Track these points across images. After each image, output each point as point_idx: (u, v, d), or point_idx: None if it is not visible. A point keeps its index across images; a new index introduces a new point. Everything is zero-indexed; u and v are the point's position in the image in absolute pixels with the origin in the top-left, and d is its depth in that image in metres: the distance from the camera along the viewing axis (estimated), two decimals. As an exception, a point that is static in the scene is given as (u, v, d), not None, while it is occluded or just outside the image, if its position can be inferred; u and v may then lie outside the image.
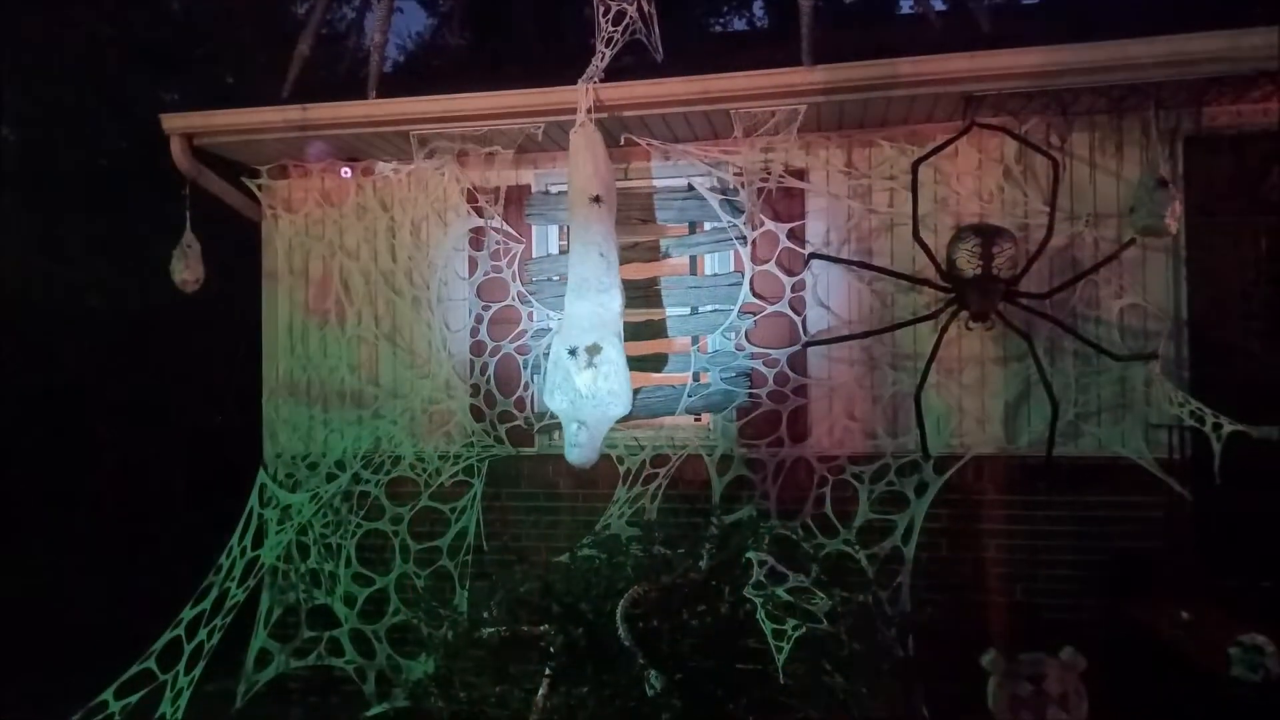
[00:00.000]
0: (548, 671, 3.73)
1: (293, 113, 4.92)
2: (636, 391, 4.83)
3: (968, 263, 4.47)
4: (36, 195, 7.56)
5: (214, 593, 5.04)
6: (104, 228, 7.25)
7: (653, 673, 3.43)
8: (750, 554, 3.75)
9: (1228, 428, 4.20)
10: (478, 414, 5.35)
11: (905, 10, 20.29)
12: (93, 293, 7.08)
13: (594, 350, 4.49)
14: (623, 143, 5.04)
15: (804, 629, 3.32)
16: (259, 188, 5.54)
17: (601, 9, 4.98)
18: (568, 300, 4.62)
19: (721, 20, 21.07)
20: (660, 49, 5.12)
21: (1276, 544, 4.17)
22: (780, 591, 3.44)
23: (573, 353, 4.51)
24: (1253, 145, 4.70)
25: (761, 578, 3.58)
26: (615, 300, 4.58)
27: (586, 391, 4.48)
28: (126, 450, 7.13)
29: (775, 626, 3.43)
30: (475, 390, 5.37)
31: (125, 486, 7.02)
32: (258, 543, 5.20)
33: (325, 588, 5.36)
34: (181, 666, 4.76)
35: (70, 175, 7.52)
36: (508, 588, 3.96)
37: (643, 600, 3.68)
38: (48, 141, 7.78)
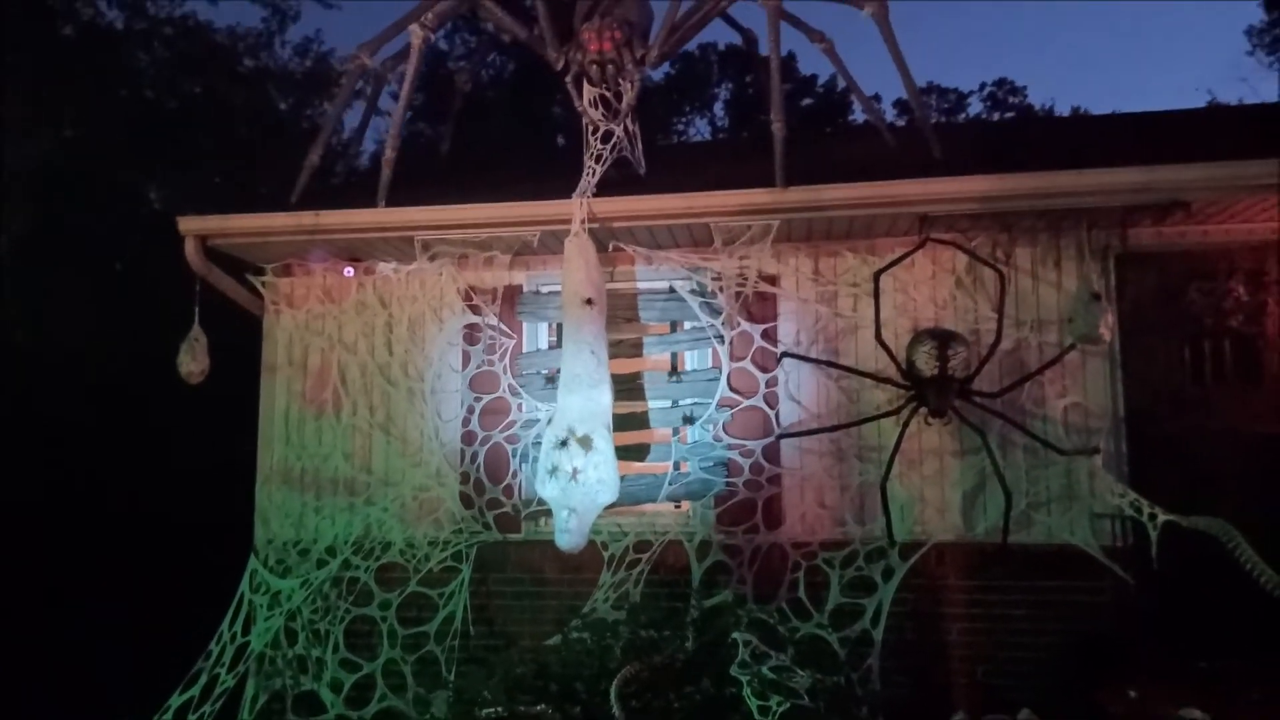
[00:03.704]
0: (544, 750, 3.92)
1: (306, 218, 5.26)
2: (621, 479, 5.12)
3: (926, 363, 4.91)
4: (37, 287, 7.80)
5: (203, 679, 5.13)
6: (107, 315, 7.47)
7: (645, 749, 3.65)
8: (735, 635, 4.02)
9: (1162, 517, 4.61)
10: (467, 501, 5.59)
11: (860, 116, 21.65)
12: (94, 376, 7.26)
13: (585, 441, 4.80)
14: (610, 249, 5.46)
15: (788, 704, 3.58)
16: (263, 284, 5.84)
17: (590, 128, 5.47)
18: (560, 394, 4.94)
19: (681, 125, 22.17)
20: (643, 164, 5.61)
21: (1209, 625, 4.55)
22: (765, 670, 3.71)
23: (564, 443, 4.82)
24: (1172, 263, 5.27)
25: (747, 657, 3.85)
26: (605, 395, 4.91)
27: (577, 479, 4.76)
28: (117, 535, 7.19)
29: (760, 704, 3.70)
30: (465, 478, 5.62)
31: (114, 571, 7.05)
32: (248, 629, 5.33)
33: (312, 673, 5.45)
34: (170, 753, 4.83)
35: (65, 269, 7.79)
36: (505, 668, 4.16)
37: (635, 679, 3.92)
38: (48, 235, 8.04)
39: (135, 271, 7.62)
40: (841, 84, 21.97)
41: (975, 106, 24.82)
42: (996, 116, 24.55)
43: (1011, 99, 25.32)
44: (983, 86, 25.11)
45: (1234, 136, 6.29)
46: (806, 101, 23.20)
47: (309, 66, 13.05)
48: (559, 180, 5.36)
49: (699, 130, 23.50)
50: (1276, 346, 5.16)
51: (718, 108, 23.78)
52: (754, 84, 22.47)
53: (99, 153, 8.36)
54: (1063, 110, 24.46)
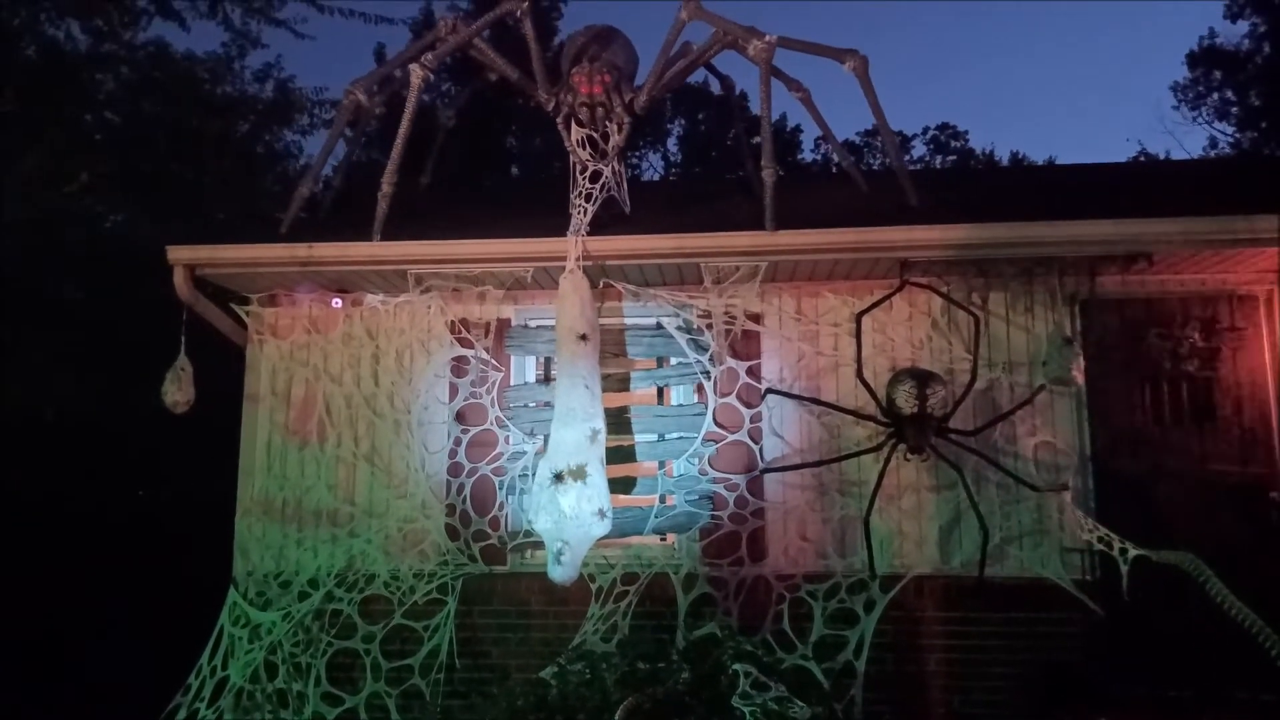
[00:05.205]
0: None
1: (299, 249, 5.27)
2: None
3: (906, 402, 5.10)
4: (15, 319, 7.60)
5: (182, 714, 5.03)
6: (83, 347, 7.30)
7: (649, 780, 3.71)
8: (735, 666, 4.11)
9: (1133, 551, 4.86)
10: (453, 533, 5.59)
11: (808, 156, 22.23)
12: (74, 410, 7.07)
13: (579, 474, 4.87)
14: (600, 286, 5.57)
15: (790, 733, 3.69)
16: (247, 314, 5.80)
17: (579, 167, 5.60)
18: (554, 427, 5.01)
19: (634, 159, 22.50)
20: (628, 203, 5.75)
21: (1178, 656, 4.78)
22: (769, 701, 3.81)
23: (558, 476, 4.88)
24: (1134, 309, 5.59)
25: (748, 688, 3.94)
26: (599, 428, 5.00)
27: (571, 512, 4.83)
28: (95, 565, 6.98)
29: (761, 734, 3.79)
30: (451, 510, 5.63)
31: (92, 602, 6.84)
32: (227, 662, 5.24)
33: (293, 708, 5.37)
34: (149, 791, 4.72)
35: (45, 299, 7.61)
36: (508, 699, 4.18)
37: (638, 711, 3.98)
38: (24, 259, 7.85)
39: (94, 301, 7.46)
40: (790, 124, 22.62)
41: (919, 149, 25.68)
42: (939, 160, 25.45)
43: (954, 143, 26.26)
44: (925, 130, 26.01)
45: (1182, 190, 6.71)
46: (757, 140, 23.66)
47: (270, 93, 12.93)
48: (525, 214, 5.46)
49: (652, 165, 23.88)
50: (1227, 390, 5.49)
51: (671, 143, 24.19)
52: (706, 121, 22.98)
53: (61, 178, 8.21)
54: (1002, 155, 25.46)
